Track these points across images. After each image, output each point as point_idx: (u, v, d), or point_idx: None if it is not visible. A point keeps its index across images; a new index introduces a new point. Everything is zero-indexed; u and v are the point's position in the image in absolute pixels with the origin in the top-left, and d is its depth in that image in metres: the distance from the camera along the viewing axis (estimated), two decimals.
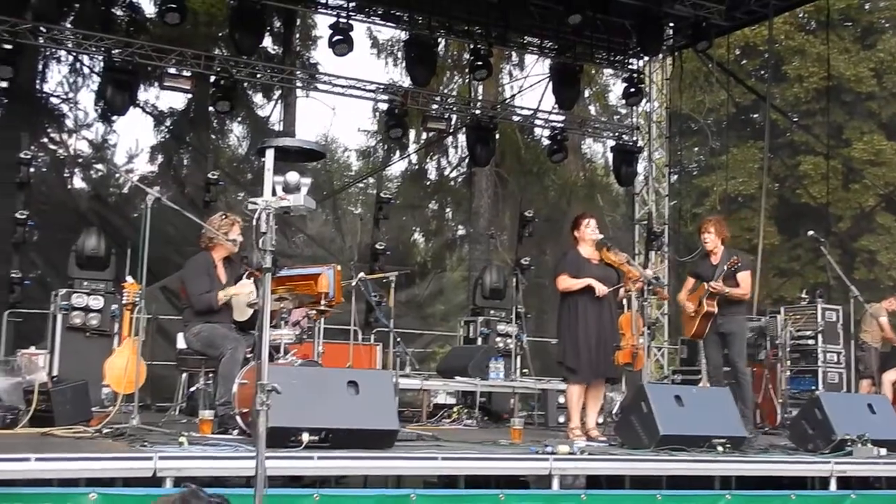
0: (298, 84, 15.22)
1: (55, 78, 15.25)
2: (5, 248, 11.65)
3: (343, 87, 14.28)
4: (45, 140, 14.99)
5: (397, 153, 17.94)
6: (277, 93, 16.26)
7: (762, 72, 21.33)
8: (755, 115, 21.49)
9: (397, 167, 18.70)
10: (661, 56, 15.62)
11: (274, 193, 4.54)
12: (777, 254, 20.64)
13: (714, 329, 8.39)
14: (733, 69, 18.09)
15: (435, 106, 14.89)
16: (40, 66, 14.60)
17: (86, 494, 4.80)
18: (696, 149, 22.77)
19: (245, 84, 14.76)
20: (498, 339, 12.05)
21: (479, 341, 12.12)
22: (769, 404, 11.29)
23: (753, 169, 20.61)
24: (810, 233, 9.77)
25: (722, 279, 8.22)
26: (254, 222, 4.45)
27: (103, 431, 6.27)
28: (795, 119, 20.48)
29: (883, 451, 7.16)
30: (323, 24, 14.89)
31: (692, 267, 9.56)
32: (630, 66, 15.47)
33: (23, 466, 4.91)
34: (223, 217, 7.57)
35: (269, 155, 4.60)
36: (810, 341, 11.80)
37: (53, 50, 13.85)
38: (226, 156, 16.43)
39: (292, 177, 4.57)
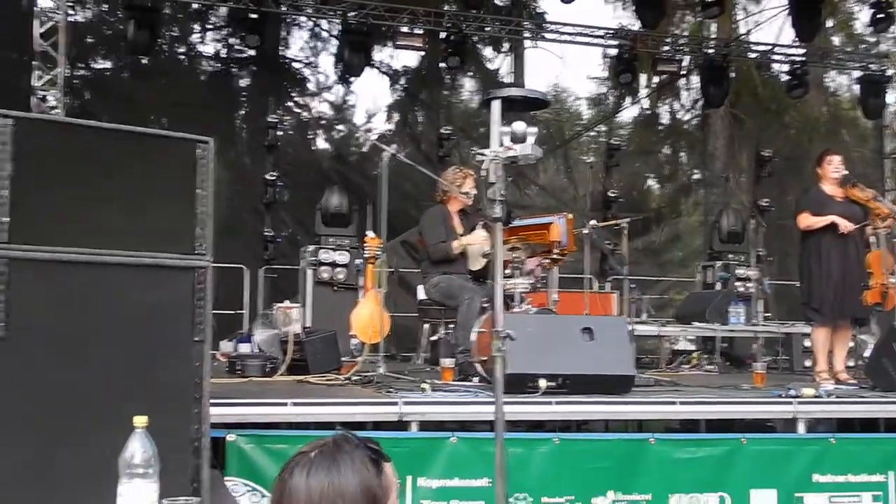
0: (526, 35, 15.18)
1: (297, 44, 15.95)
2: (259, 208, 12.42)
3: (571, 34, 14.14)
4: (290, 104, 15.75)
5: (628, 99, 17.66)
6: (506, 45, 16.32)
7: None
8: None
9: (628, 113, 18.36)
10: None
11: (501, 144, 4.60)
12: None
13: None
14: None
15: (666, 48, 14.51)
16: (283, 34, 15.29)
17: None
18: None
19: (474, 38, 14.89)
20: (737, 283, 11.72)
21: (718, 286, 11.84)
22: None
23: None
24: None
25: None
26: (482, 173, 4.53)
27: (352, 379, 6.62)
28: None
29: None
30: None
31: None
32: None
33: (282, 410, 5.30)
34: (457, 171, 7.77)
35: (495, 106, 4.65)
36: None
37: (294, 17, 14.44)
38: (458, 110, 16.68)
39: (518, 127, 4.59)
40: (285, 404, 5.31)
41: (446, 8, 14.31)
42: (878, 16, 13.89)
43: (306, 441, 2.08)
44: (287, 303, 10.22)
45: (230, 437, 4.91)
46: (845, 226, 7.40)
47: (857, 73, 15.09)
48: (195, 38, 15.39)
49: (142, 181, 3.88)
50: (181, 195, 3.97)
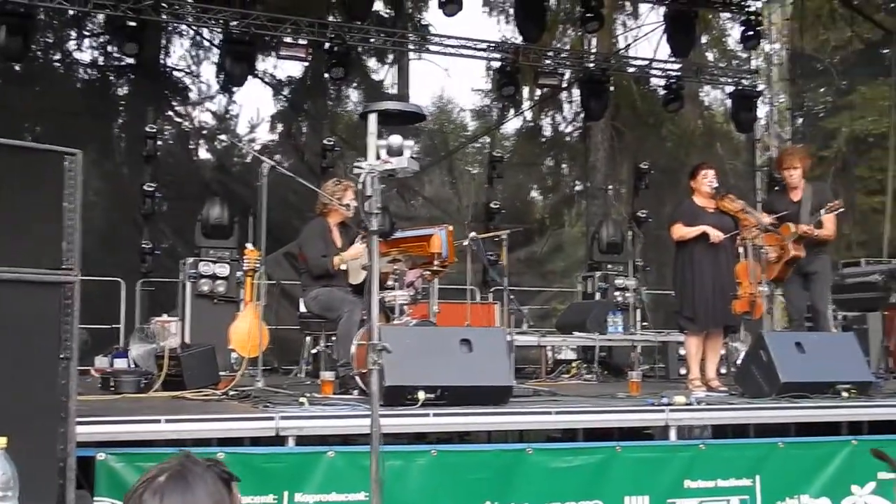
0: (411, 47, 15.24)
1: (178, 52, 15.68)
2: (137, 220, 12.14)
3: (455, 47, 14.25)
4: (171, 113, 15.46)
5: (511, 111, 17.89)
6: (391, 57, 16.35)
7: (893, 4, 20.31)
8: (885, 51, 20.54)
9: (512, 125, 18.62)
10: None
11: (378, 157, 4.62)
12: None
13: (796, 270, 8.15)
14: (861, 3, 17.38)
15: (547, 61, 14.73)
16: (164, 41, 15.01)
17: (213, 454, 5.03)
18: (823, 90, 21.94)
19: (359, 49, 14.88)
20: (616, 293, 11.99)
21: (598, 296, 12.08)
22: None
23: (884, 107, 19.72)
24: None
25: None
26: (359, 186, 4.55)
27: (229, 394, 6.54)
28: None
29: None
30: None
31: (769, 203, 9.27)
32: (748, 9, 15.00)
33: (154, 428, 5.19)
34: (336, 183, 7.75)
35: (372, 119, 4.69)
36: None
37: (175, 24, 14.18)
38: (343, 121, 16.65)
39: (395, 140, 4.63)
40: (159, 421, 5.21)
41: (330, 19, 14.27)
42: (748, 33, 14.41)
43: None
44: (165, 316, 10.06)
45: (100, 455, 4.79)
46: (716, 235, 7.64)
47: (729, 88, 15.57)
48: (71, 44, 15.00)
49: (6, 194, 3.78)
50: (48, 209, 3.89)
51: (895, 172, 17.59)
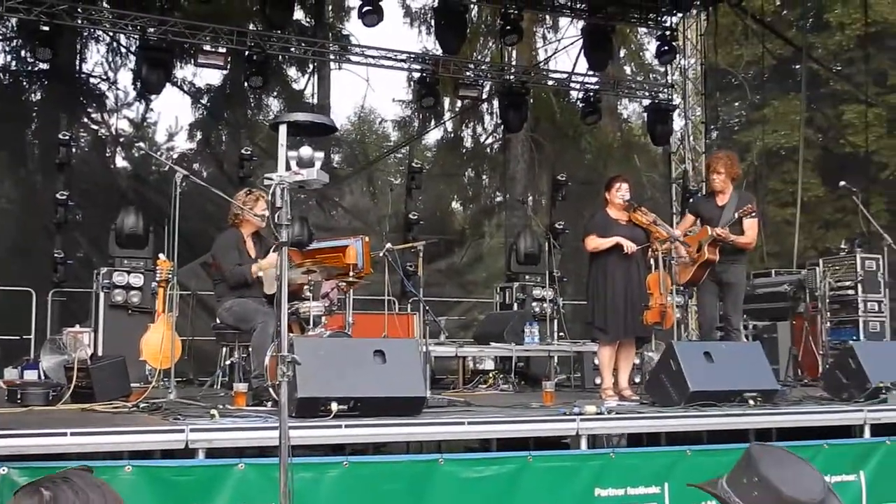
0: (331, 56, 15.21)
1: (94, 58, 15.41)
2: (50, 229, 11.91)
3: (375, 57, 14.28)
4: (87, 120, 15.19)
5: (432, 122, 17.94)
6: (311, 66, 16.28)
7: (804, 21, 20.90)
8: (797, 67, 21.12)
9: (433, 136, 18.68)
10: (695, 12, 15.47)
11: (288, 168, 4.61)
12: (822, 205, 20.40)
13: (711, 277, 8.30)
14: (774, 20, 17.85)
15: (468, 73, 14.82)
16: (79, 47, 14.74)
17: (122, 467, 4.96)
18: (737, 104, 22.45)
19: (279, 58, 14.80)
20: (534, 303, 12.12)
21: (516, 307, 12.19)
22: (810, 356, 11.24)
23: (796, 121, 20.26)
24: (842, 183, 9.53)
25: (729, 226, 8.14)
26: (269, 197, 4.53)
27: (140, 406, 6.44)
28: (838, 68, 20.11)
29: None
30: None
31: (693, 205, 9.43)
32: (664, 24, 15.31)
33: (60, 441, 5.08)
34: (247, 193, 7.69)
35: (282, 130, 4.68)
36: (850, 291, 11.51)
37: (92, 30, 13.95)
38: (263, 130, 16.51)
39: (306, 151, 4.63)
40: (65, 434, 5.10)
41: (250, 27, 14.18)
42: (664, 48, 14.71)
43: None
44: (78, 327, 9.89)
45: (2, 470, 4.69)
46: (629, 247, 7.77)
47: (646, 102, 15.84)
48: None
49: None
50: None
51: (807, 184, 18.08)
